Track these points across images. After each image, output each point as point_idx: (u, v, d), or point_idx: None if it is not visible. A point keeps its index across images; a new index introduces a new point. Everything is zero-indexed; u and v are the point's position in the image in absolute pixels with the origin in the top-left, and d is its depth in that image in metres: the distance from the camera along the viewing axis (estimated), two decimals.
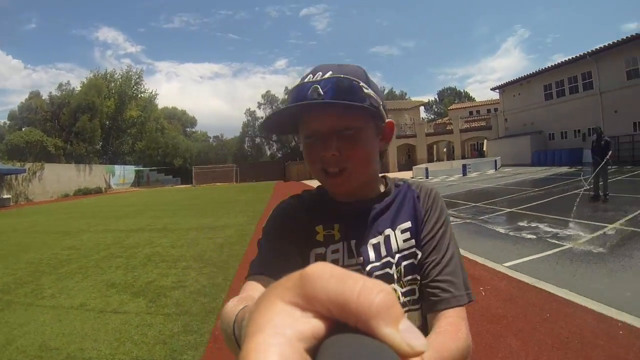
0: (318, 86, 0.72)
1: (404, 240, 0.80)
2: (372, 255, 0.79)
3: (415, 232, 0.81)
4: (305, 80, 0.75)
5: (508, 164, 27.08)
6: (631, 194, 9.87)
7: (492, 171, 23.91)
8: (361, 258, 0.79)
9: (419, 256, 0.79)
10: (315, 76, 0.75)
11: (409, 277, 0.78)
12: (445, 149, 41.29)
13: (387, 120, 0.82)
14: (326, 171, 0.78)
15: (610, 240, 5.54)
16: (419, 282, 0.78)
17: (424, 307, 0.76)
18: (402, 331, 0.20)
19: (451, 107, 48.28)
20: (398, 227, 0.81)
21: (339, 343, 0.20)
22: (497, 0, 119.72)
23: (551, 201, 9.87)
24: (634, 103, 21.84)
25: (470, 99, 64.31)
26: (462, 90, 72.66)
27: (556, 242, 5.68)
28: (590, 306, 3.34)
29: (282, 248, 0.79)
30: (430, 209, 0.83)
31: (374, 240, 0.80)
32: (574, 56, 25.24)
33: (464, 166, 23.30)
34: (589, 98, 24.80)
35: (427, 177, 22.73)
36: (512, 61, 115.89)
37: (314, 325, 0.20)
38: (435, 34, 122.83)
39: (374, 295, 0.20)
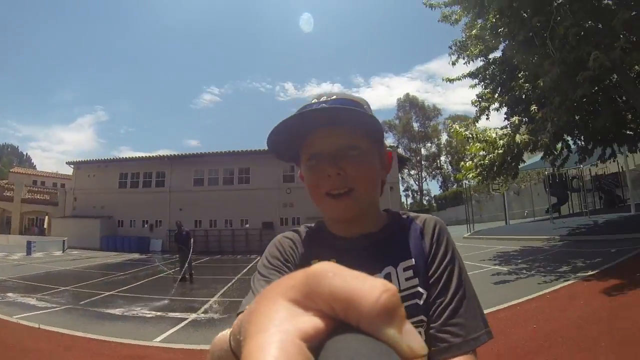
0: (325, 105, 0.73)
1: (407, 279, 0.74)
2: None
3: (418, 270, 0.75)
4: (312, 102, 0.78)
5: (75, 247, 25.57)
6: (208, 275, 12.36)
7: (59, 252, 22.01)
8: None
9: (424, 296, 0.73)
10: (321, 99, 0.77)
11: (413, 320, 0.71)
12: None
13: (387, 149, 0.84)
14: (331, 194, 0.75)
15: (220, 309, 6.93)
16: (425, 324, 0.72)
17: (432, 353, 0.70)
18: (404, 332, 0.20)
19: (13, 170, 41.79)
20: (400, 264, 0.76)
21: (341, 343, 0.20)
22: (90, 72, 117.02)
23: (145, 283, 10.52)
24: (196, 204, 26.97)
25: (32, 164, 57.79)
26: (24, 153, 64.35)
27: (179, 315, 6.34)
28: None
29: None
30: (436, 244, 0.78)
31: None
32: (154, 155, 28.65)
33: (29, 243, 20.35)
34: (160, 194, 28.17)
35: None
36: (83, 138, 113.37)
37: (316, 324, 0.20)
38: (18, 80, 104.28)
39: (377, 295, 0.20)
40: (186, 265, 10.75)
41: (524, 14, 7.66)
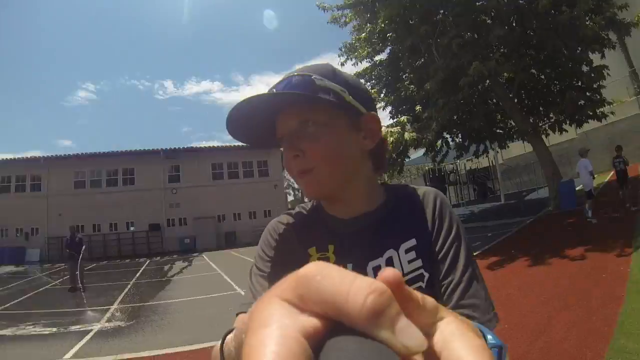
0: (274, 89, 0.70)
1: (409, 261, 0.71)
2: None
3: (421, 250, 0.72)
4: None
5: None
6: (99, 283, 11.57)
7: None
8: None
9: (426, 278, 0.70)
10: (280, 79, 0.73)
11: None
12: None
13: (366, 114, 0.74)
14: (298, 175, 0.72)
15: (124, 316, 6.74)
16: None
17: None
18: (398, 331, 0.19)
19: None
20: (401, 246, 0.72)
21: (340, 344, 0.19)
22: None
23: (30, 297, 9.51)
24: (77, 208, 24.81)
25: None
26: None
27: (82, 328, 5.91)
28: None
29: (272, 279, 0.70)
30: (439, 219, 0.74)
31: (374, 263, 0.71)
32: (28, 156, 25.70)
33: None
34: (36, 199, 25.34)
35: None
36: None
37: (314, 323, 0.20)
38: None
39: (363, 297, 0.19)
40: (77, 273, 9.97)
41: (411, 22, 8.52)
